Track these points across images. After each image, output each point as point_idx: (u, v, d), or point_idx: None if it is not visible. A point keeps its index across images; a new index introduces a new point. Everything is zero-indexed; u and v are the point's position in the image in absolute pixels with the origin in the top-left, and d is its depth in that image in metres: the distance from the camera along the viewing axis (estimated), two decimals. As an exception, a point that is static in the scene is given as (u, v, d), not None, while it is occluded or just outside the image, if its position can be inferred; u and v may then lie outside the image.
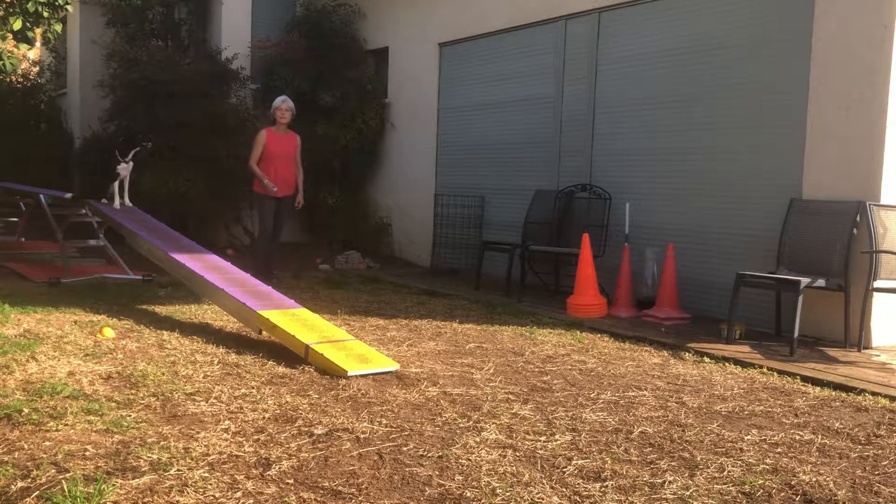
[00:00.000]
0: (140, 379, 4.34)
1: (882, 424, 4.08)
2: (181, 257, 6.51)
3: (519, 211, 8.65)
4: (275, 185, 8.19)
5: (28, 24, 7.89)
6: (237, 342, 5.44)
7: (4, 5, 7.77)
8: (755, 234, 6.66)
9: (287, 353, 5.07)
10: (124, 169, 8.02)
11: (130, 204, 8.08)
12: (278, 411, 3.90)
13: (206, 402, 4.00)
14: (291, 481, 3.03)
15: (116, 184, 7.99)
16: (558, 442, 3.61)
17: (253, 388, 4.30)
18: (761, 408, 4.31)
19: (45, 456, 3.16)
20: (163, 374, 4.48)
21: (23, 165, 11.53)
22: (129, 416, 3.72)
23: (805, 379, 4.98)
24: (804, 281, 5.76)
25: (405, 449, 3.44)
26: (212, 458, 3.22)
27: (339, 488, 2.98)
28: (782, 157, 6.49)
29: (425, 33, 10.50)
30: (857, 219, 5.90)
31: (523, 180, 8.85)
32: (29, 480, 2.92)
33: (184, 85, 10.29)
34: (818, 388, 4.80)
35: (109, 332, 5.46)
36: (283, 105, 8.45)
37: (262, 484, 2.99)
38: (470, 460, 3.32)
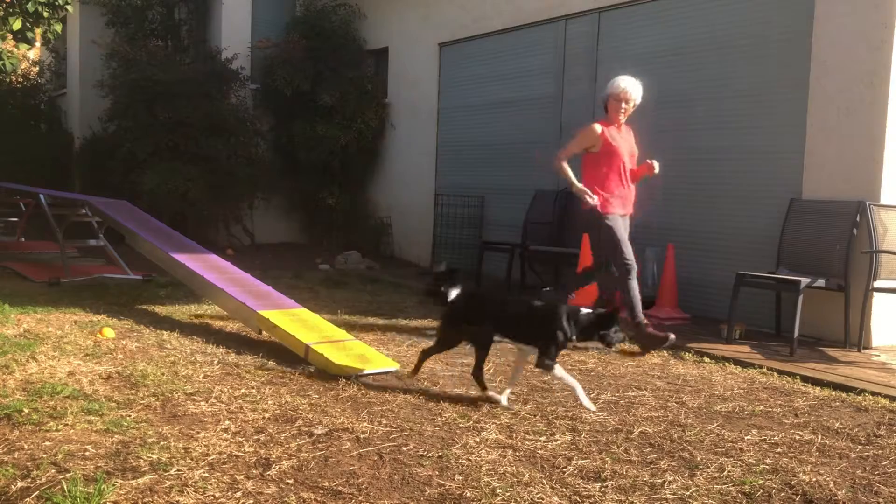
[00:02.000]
0: (140, 379, 4.34)
1: (882, 424, 4.07)
2: (181, 257, 6.51)
3: (519, 211, 8.65)
4: (594, 198, 5.72)
5: (28, 24, 7.90)
6: (237, 342, 5.44)
7: (4, 5, 7.77)
8: (755, 234, 6.65)
9: (287, 353, 5.07)
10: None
11: None
12: (278, 411, 3.90)
13: (206, 402, 4.00)
14: (291, 481, 3.03)
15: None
16: (558, 442, 3.61)
17: (253, 388, 4.30)
18: (761, 408, 4.31)
19: (45, 456, 3.15)
20: (163, 374, 4.48)
21: (23, 165, 11.55)
22: (129, 416, 3.72)
23: (805, 379, 4.98)
24: (804, 281, 5.76)
25: (405, 449, 3.44)
26: (212, 458, 3.22)
27: (339, 488, 2.98)
28: (782, 156, 6.49)
29: (425, 33, 10.50)
30: (857, 219, 5.90)
31: (523, 180, 8.85)
32: (29, 480, 2.92)
33: (184, 85, 10.30)
34: (818, 388, 4.79)
35: (109, 332, 5.46)
36: (622, 92, 5.75)
37: (262, 484, 2.99)
38: (470, 460, 3.32)
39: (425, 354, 4.55)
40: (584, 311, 4.08)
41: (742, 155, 6.79)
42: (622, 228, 5.76)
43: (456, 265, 4.90)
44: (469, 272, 8.81)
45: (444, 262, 4.81)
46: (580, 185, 5.76)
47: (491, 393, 4.26)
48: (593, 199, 5.70)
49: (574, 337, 4.04)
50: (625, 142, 5.90)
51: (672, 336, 5.57)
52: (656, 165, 5.86)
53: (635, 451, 3.53)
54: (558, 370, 4.11)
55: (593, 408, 4.10)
